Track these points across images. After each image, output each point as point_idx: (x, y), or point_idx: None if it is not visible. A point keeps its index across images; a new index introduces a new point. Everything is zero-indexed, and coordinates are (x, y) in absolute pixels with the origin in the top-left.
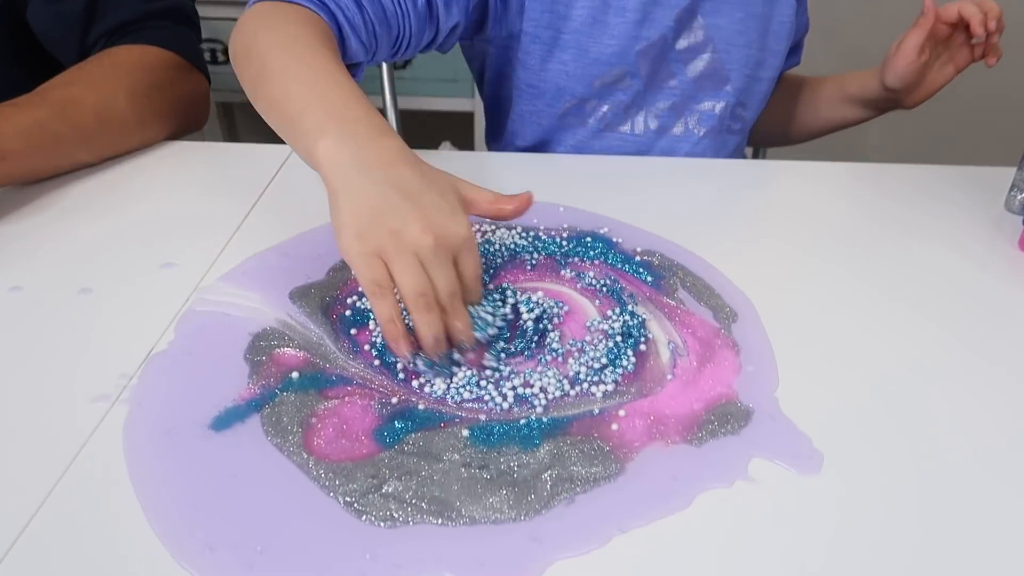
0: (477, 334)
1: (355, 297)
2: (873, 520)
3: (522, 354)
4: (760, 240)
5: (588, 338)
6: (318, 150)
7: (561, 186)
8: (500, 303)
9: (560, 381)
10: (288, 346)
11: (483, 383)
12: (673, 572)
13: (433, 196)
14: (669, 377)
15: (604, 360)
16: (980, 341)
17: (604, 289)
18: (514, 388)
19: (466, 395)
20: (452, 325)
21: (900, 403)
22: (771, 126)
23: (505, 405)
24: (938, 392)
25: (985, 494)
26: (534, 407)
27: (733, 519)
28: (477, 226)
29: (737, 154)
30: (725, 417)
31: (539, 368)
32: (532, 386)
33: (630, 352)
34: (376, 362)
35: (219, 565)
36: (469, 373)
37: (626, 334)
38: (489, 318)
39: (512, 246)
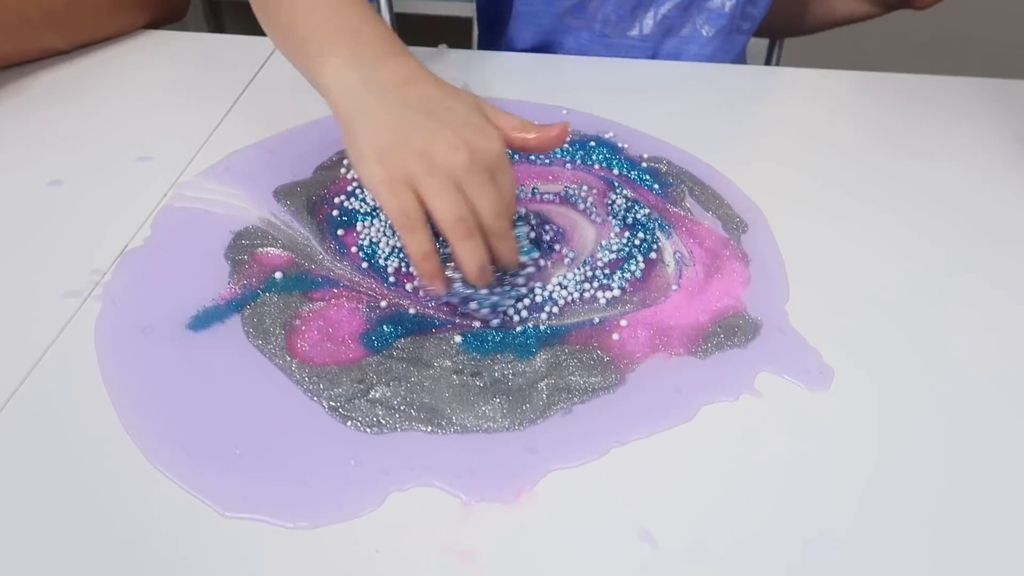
0: (522, 257)
1: (343, 196)
2: (881, 439)
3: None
4: (772, 149)
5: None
6: (325, 74)
7: (564, 89)
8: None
9: (575, 285)
10: (272, 246)
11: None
12: (673, 486)
13: (460, 110)
14: (674, 288)
15: (616, 256)
16: (998, 261)
17: (615, 186)
18: (523, 298)
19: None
20: (498, 249)
21: (913, 323)
22: (777, 17)
23: (517, 318)
24: (953, 312)
25: (997, 419)
26: (538, 317)
27: (738, 433)
28: None
29: (743, 55)
30: (732, 329)
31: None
32: (543, 292)
33: (640, 257)
34: (364, 264)
35: (195, 469)
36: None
37: (640, 230)
38: (524, 239)
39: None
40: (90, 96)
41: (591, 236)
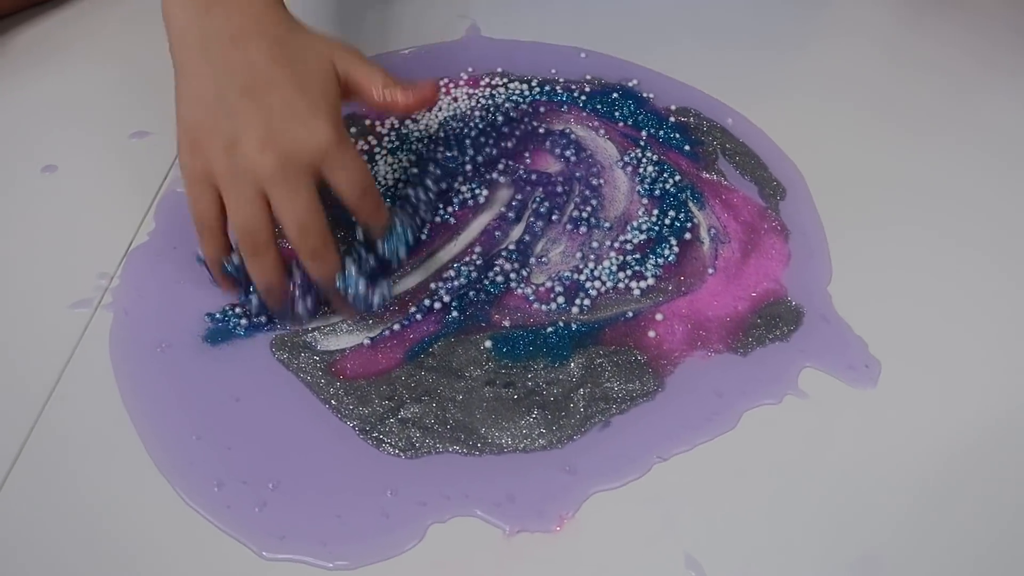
0: (349, 285)
1: None
2: (937, 443)
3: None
4: (814, 95)
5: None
6: (164, 9)
7: (581, 26)
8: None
9: (609, 275)
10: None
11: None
12: (717, 505)
13: (286, 90)
14: (710, 271)
15: (646, 237)
16: None
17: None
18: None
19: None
20: (306, 267)
21: (974, 305)
22: None
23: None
24: (1019, 294)
25: None
26: (569, 312)
27: (783, 442)
28: (487, 79)
29: None
30: (773, 320)
31: (577, 255)
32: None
33: (673, 239)
34: None
35: (229, 505)
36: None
37: (672, 203)
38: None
39: (520, 103)
40: (70, 58)
41: (620, 195)
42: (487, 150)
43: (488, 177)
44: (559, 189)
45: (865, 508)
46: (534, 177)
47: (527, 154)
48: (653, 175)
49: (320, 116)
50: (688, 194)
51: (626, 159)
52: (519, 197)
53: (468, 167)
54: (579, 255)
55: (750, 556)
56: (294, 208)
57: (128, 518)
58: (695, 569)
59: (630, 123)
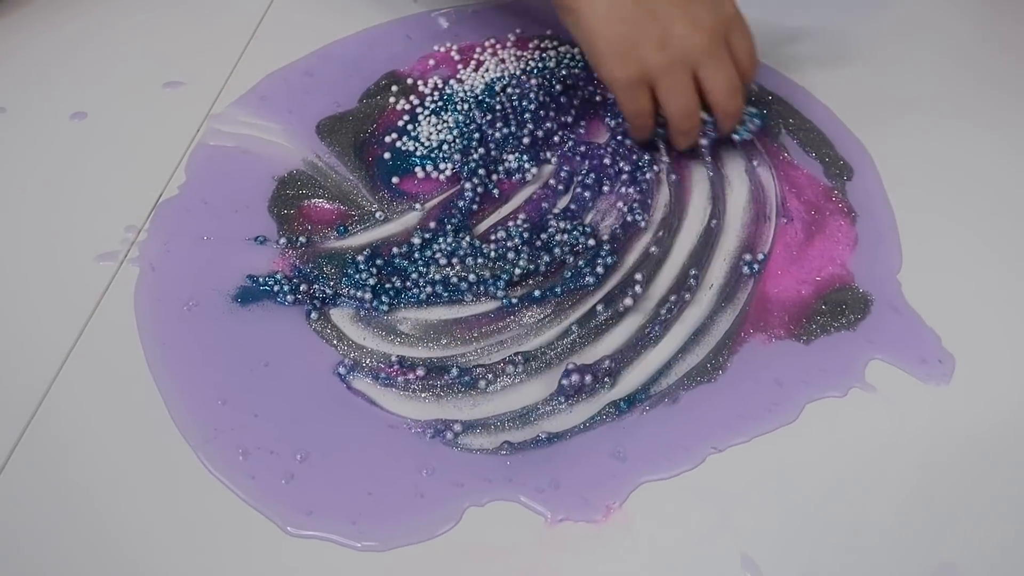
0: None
1: (394, 134)
2: (1017, 445)
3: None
4: (885, 69)
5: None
6: None
7: None
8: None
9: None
10: (319, 196)
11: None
12: (776, 503)
13: None
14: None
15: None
16: None
17: None
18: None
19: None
20: (722, 124)
21: None
22: None
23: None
24: None
25: None
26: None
27: (848, 438)
28: (536, 42)
29: None
30: (839, 307)
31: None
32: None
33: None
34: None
35: (254, 476)
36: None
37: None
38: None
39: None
40: (109, 3)
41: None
42: (546, 125)
43: (540, 154)
44: (607, 161)
45: (940, 513)
46: (582, 149)
47: (583, 124)
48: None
49: None
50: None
51: None
52: (567, 168)
53: (526, 140)
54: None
55: (812, 561)
56: (722, 75)
57: (147, 483)
58: (752, 571)
59: None
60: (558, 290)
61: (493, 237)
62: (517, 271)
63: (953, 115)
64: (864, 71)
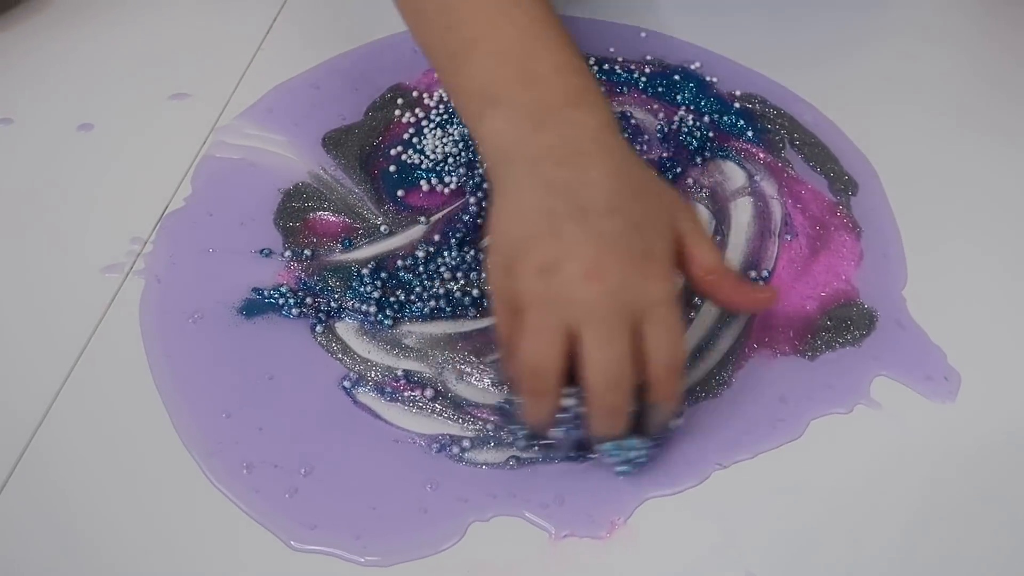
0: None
1: (400, 147)
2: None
3: None
4: (887, 87)
5: None
6: (482, 127)
7: (640, 3)
8: None
9: None
10: (324, 209)
11: None
12: (782, 521)
13: (623, 221)
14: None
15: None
16: None
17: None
18: None
19: None
20: (595, 421)
21: None
22: None
23: None
24: None
25: None
26: None
27: (854, 456)
28: None
29: None
30: (844, 322)
31: None
32: None
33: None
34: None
35: (258, 488)
36: None
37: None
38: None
39: None
40: (117, 14)
41: None
42: None
43: None
44: None
45: (946, 532)
46: None
47: None
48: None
49: (657, 262)
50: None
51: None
52: None
53: None
54: None
55: None
56: (607, 355)
57: (150, 496)
58: None
59: (692, 107)
60: None
61: None
62: None
63: (959, 129)
64: (869, 85)
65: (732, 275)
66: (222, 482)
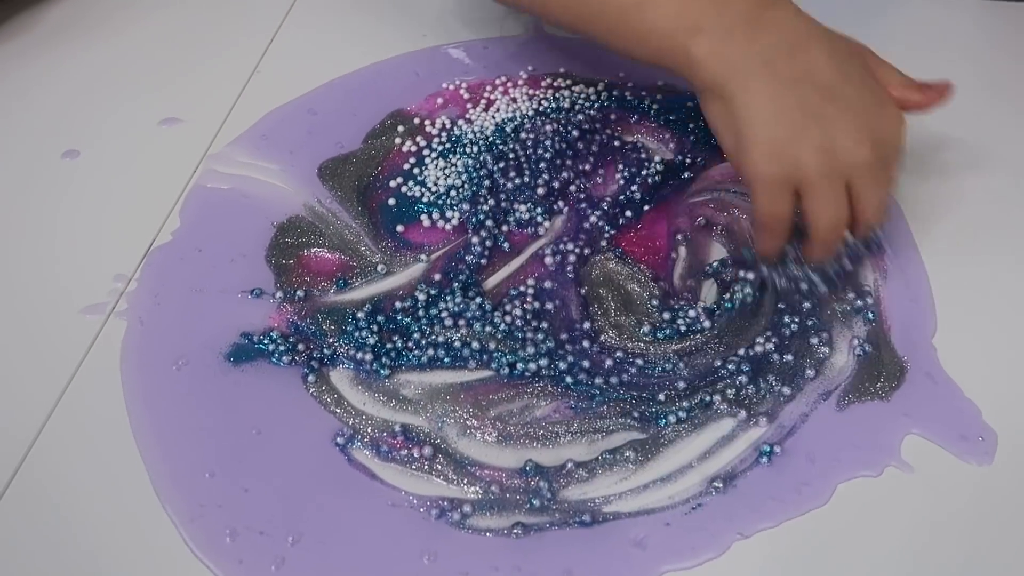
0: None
1: (399, 179)
2: None
3: None
4: (916, 125)
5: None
6: (695, 53)
7: None
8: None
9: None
10: (318, 245)
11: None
12: None
13: (857, 84)
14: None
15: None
16: None
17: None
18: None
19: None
20: (819, 247)
21: None
22: None
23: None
24: None
25: None
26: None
27: (884, 526)
28: (548, 80)
29: None
30: (873, 373)
31: None
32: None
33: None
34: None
35: (242, 559)
36: None
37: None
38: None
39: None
40: (104, 37)
41: None
42: (563, 174)
43: (553, 205)
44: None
45: None
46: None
47: (600, 171)
48: None
49: (886, 104)
50: None
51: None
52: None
53: (541, 191)
54: None
55: None
56: (874, 200)
57: (126, 563)
58: None
59: (704, 136)
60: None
61: (507, 308)
62: (527, 361)
63: (986, 171)
64: None
65: (914, 85)
66: (203, 551)
